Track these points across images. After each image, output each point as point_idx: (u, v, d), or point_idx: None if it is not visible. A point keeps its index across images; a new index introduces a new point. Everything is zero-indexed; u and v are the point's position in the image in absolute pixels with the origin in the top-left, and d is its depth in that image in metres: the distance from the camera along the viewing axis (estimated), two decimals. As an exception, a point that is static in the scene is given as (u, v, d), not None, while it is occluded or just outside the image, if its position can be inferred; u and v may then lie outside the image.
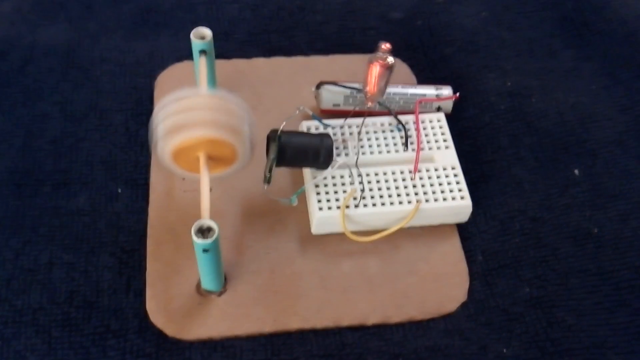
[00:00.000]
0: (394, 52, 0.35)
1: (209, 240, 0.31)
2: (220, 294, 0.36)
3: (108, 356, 0.34)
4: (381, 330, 0.36)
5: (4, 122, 0.43)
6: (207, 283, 0.35)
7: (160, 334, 0.35)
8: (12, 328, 0.35)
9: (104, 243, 0.38)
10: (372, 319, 0.36)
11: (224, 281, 0.36)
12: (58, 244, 0.38)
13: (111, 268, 0.37)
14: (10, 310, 0.35)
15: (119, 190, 0.40)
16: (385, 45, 0.32)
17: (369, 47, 0.49)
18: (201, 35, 0.39)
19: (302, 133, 0.38)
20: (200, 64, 0.39)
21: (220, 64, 0.45)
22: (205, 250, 0.31)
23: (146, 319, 0.35)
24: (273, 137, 0.36)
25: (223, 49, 0.48)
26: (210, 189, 0.36)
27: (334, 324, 0.36)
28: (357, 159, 0.39)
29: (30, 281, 0.36)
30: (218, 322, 0.35)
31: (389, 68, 0.33)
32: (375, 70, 0.33)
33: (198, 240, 0.31)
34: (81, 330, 0.35)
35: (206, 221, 0.31)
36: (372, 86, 0.34)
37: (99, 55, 0.47)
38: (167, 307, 0.36)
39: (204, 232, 0.31)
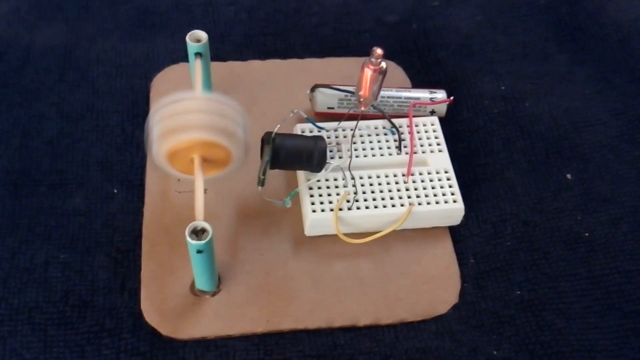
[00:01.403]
0: (388, 55, 0.35)
1: (202, 242, 0.31)
2: (214, 294, 0.37)
3: (103, 354, 0.35)
4: (372, 331, 0.36)
5: (1, 122, 0.43)
6: (201, 283, 0.36)
7: (154, 333, 0.35)
8: (8, 326, 0.35)
9: (99, 243, 0.38)
10: (363, 320, 0.36)
11: (218, 281, 0.37)
12: (54, 244, 0.38)
13: (106, 268, 0.37)
14: (7, 309, 0.36)
15: (115, 191, 0.41)
16: (378, 51, 0.32)
17: (364, 50, 0.49)
18: (197, 38, 0.39)
19: (296, 135, 0.39)
20: (196, 66, 0.39)
21: (216, 66, 0.46)
22: (199, 251, 0.32)
23: (140, 318, 0.36)
24: (267, 139, 0.37)
25: (219, 50, 0.48)
26: (205, 190, 0.36)
27: (326, 325, 0.36)
28: (351, 161, 0.39)
29: (26, 280, 0.37)
30: (212, 322, 0.36)
31: (382, 73, 0.33)
32: (368, 75, 0.33)
33: (192, 242, 0.31)
34: (76, 329, 0.35)
35: (200, 223, 0.32)
36: (365, 91, 0.34)
37: (96, 57, 0.47)
38: (161, 306, 0.36)
39: (197, 233, 0.31)
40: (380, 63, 0.33)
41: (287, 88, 0.46)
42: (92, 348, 0.35)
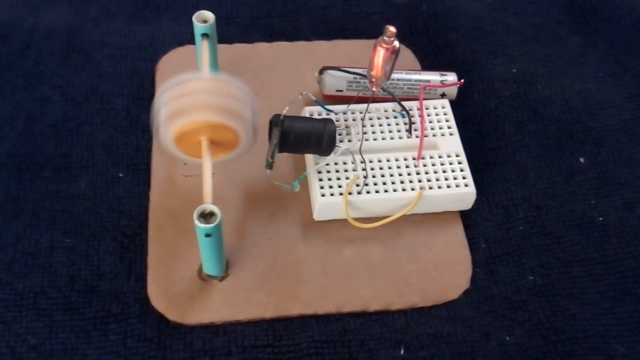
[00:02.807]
0: (398, 38, 0.34)
1: (211, 225, 0.30)
2: (221, 279, 0.36)
3: (109, 340, 0.34)
4: (383, 316, 0.36)
5: (5, 105, 0.43)
6: (209, 268, 0.35)
7: (161, 319, 0.35)
8: (13, 311, 0.35)
9: (105, 227, 0.38)
10: (374, 306, 0.36)
11: (226, 266, 0.36)
12: (59, 228, 0.38)
13: (112, 252, 0.37)
14: (12, 294, 0.35)
15: (120, 175, 0.40)
16: (391, 29, 0.32)
17: (372, 32, 0.48)
18: (203, 19, 0.39)
19: (305, 118, 0.38)
20: (203, 47, 0.38)
21: (222, 48, 0.45)
22: (207, 235, 0.31)
23: (147, 303, 0.35)
24: (276, 122, 0.36)
25: (225, 33, 0.47)
26: (212, 174, 0.35)
27: (336, 310, 0.36)
28: (361, 145, 0.38)
29: (31, 265, 0.36)
30: (219, 307, 0.35)
31: (395, 52, 0.33)
32: (381, 53, 0.32)
33: (200, 225, 0.30)
34: (82, 314, 0.35)
35: (209, 206, 0.31)
36: (377, 70, 0.33)
37: (100, 39, 0.47)
38: (168, 291, 0.36)
39: (206, 216, 0.31)
40: (393, 42, 0.32)
41: (295, 71, 0.45)
42: (99, 333, 0.34)
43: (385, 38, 0.32)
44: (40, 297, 0.35)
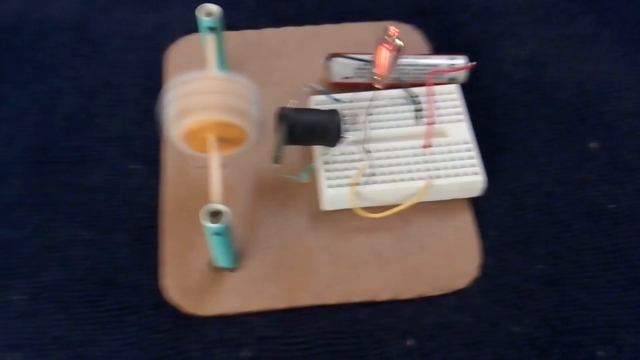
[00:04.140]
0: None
1: (220, 225, 0.31)
2: (233, 270, 0.37)
3: (126, 331, 0.35)
4: (392, 306, 0.36)
5: (18, 98, 0.43)
6: (220, 262, 0.36)
7: (175, 310, 0.36)
8: (32, 304, 0.36)
9: (119, 220, 0.39)
10: (383, 295, 0.36)
11: (238, 258, 0.37)
12: (76, 222, 0.38)
13: (127, 245, 0.38)
14: (30, 287, 0.36)
15: (133, 167, 0.40)
16: (392, 29, 0.31)
17: (381, 14, 0.48)
18: (208, 12, 0.38)
19: (310, 110, 0.38)
20: (208, 43, 0.38)
21: (230, 35, 0.45)
22: (217, 234, 0.32)
23: (162, 295, 0.36)
24: (282, 116, 0.36)
25: (232, 18, 0.47)
26: (222, 166, 0.36)
27: (345, 300, 0.36)
28: (367, 134, 0.38)
29: (49, 258, 0.37)
30: (232, 298, 0.36)
31: (397, 51, 0.32)
32: (384, 54, 0.32)
33: (209, 225, 0.31)
34: (99, 307, 0.36)
35: (216, 205, 0.31)
36: (382, 69, 0.33)
37: (109, 29, 0.47)
38: (182, 283, 0.36)
39: (214, 215, 0.31)
40: (394, 41, 0.32)
41: (303, 56, 0.45)
42: (115, 325, 0.35)
43: (386, 38, 0.32)
44: (59, 290, 0.36)
